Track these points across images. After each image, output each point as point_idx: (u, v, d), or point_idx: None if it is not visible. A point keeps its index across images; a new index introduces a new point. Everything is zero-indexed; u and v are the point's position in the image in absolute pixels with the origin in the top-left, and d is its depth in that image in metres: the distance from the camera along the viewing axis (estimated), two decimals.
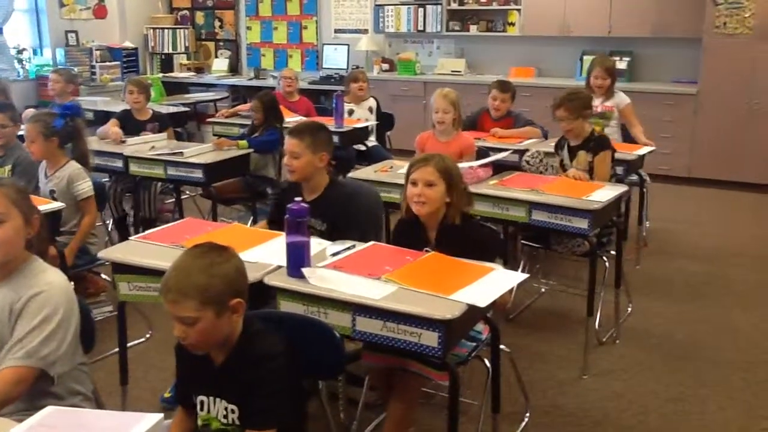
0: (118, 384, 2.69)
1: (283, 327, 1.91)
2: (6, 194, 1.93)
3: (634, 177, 4.52)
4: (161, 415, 1.40)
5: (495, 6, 7.68)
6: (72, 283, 1.97)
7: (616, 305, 3.65)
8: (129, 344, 3.24)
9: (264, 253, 2.42)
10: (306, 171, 2.88)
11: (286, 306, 2.19)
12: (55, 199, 3.51)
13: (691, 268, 4.64)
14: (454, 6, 7.85)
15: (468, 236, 2.52)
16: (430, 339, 1.97)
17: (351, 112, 5.56)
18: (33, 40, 8.58)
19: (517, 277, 2.30)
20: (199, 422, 1.86)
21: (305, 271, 2.17)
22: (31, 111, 5.61)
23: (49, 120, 3.57)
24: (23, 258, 1.95)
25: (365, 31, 8.46)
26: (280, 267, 2.28)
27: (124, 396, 2.67)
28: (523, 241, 3.89)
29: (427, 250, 2.47)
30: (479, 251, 2.40)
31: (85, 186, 3.57)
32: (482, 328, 2.56)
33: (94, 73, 8.56)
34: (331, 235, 2.67)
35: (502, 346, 2.53)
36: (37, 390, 1.88)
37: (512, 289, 2.45)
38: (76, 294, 1.96)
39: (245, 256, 2.38)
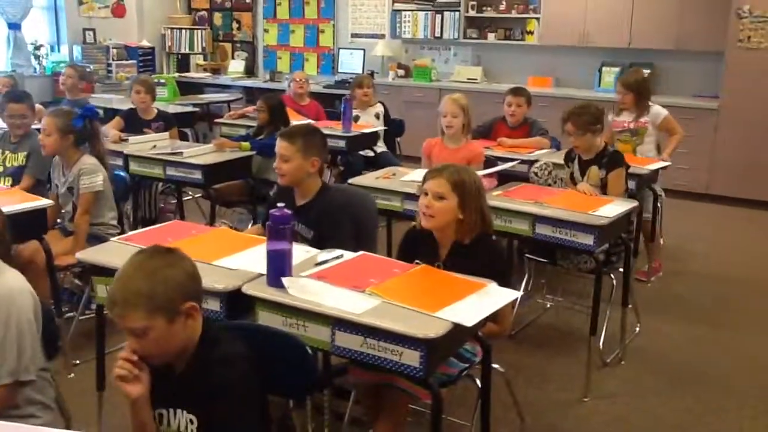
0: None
1: (251, 339, 1.80)
2: None
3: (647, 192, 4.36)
4: None
5: (514, 14, 7.55)
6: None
7: (622, 325, 3.50)
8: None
9: (247, 259, 2.32)
10: (296, 175, 2.78)
11: (265, 317, 2.08)
12: (73, 195, 3.50)
13: (705, 289, 4.47)
14: (472, 13, 7.73)
15: (479, 258, 2.37)
16: (411, 358, 1.85)
17: (357, 119, 5.46)
18: (51, 37, 8.60)
19: (511, 294, 2.17)
20: None
21: (285, 280, 2.06)
22: (40, 107, 5.60)
23: (69, 117, 3.55)
24: None
25: (382, 36, 8.37)
26: (262, 275, 2.18)
27: (100, 402, 2.57)
28: (528, 255, 3.76)
29: (417, 262, 2.35)
30: (490, 276, 2.23)
31: (89, 181, 3.47)
32: (477, 348, 2.43)
33: (110, 71, 8.55)
34: (317, 244, 2.56)
35: (495, 366, 2.40)
36: None
37: (511, 312, 2.32)
38: None
39: (227, 262, 2.31)
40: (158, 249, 1.70)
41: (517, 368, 3.26)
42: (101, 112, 6.16)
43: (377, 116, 5.62)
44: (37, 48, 8.27)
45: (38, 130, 4.71)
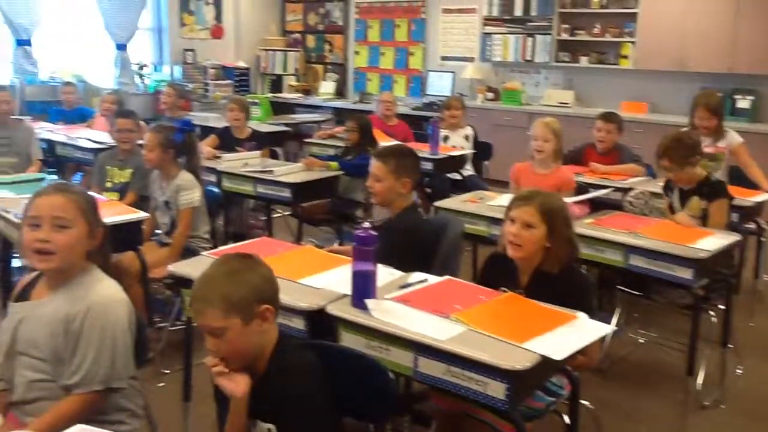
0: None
1: (332, 359, 1.80)
2: (75, 201, 1.92)
3: (751, 225, 4.11)
4: None
5: (608, 38, 7.36)
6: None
7: (722, 366, 3.29)
8: None
9: (331, 279, 2.32)
10: (387, 195, 2.80)
11: (348, 338, 2.06)
12: (170, 209, 3.63)
13: None
14: (565, 36, 7.59)
15: (564, 289, 2.28)
16: (496, 390, 1.78)
17: (446, 139, 5.43)
18: (154, 57, 9.04)
19: (604, 328, 2.07)
20: None
21: (369, 302, 2.04)
22: (143, 123, 5.87)
23: (169, 132, 3.70)
24: (82, 267, 1.94)
25: (471, 59, 8.34)
26: (346, 296, 2.17)
27: (185, 412, 2.62)
28: (620, 287, 3.60)
29: (503, 289, 2.28)
30: (573, 308, 2.15)
31: (188, 197, 3.59)
32: (565, 382, 2.33)
33: (207, 90, 8.88)
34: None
35: (584, 402, 2.29)
36: None
37: (602, 343, 2.22)
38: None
39: (312, 281, 2.32)
40: (238, 254, 1.79)
41: (606, 405, 3.10)
42: (198, 129, 6.44)
43: (466, 138, 5.57)
44: (141, 68, 8.70)
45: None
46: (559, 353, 1.82)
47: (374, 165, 2.80)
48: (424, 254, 2.73)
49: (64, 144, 5.35)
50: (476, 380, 1.82)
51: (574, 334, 1.96)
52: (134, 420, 1.99)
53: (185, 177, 3.64)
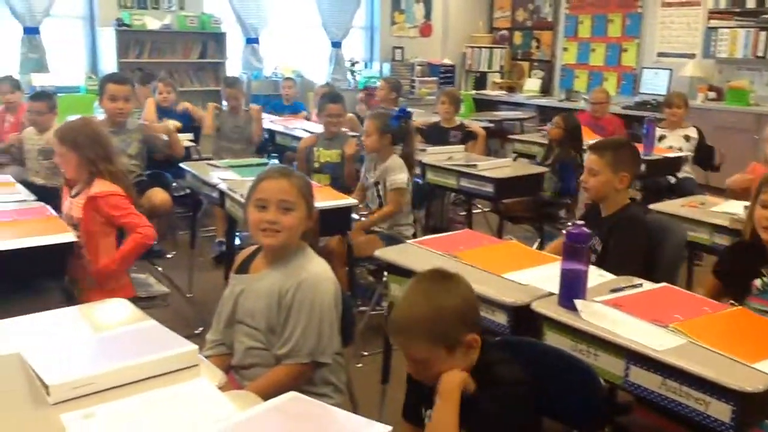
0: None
1: (538, 359, 1.75)
2: (297, 185, 2.03)
3: None
4: (390, 428, 1.33)
5: None
6: None
7: None
8: None
9: (537, 276, 2.24)
10: (602, 190, 2.67)
11: (553, 338, 1.98)
12: (378, 190, 3.79)
13: None
14: None
15: None
16: (720, 411, 1.61)
17: (661, 138, 5.08)
18: (365, 54, 9.44)
19: None
20: None
21: (578, 303, 1.94)
22: (351, 116, 6.15)
23: (387, 118, 3.85)
24: (297, 246, 2.05)
25: (692, 56, 7.72)
26: (552, 294, 2.09)
27: (383, 394, 2.69)
28: None
29: (731, 303, 2.07)
30: None
31: (398, 178, 3.70)
32: None
33: (413, 87, 9.12)
34: (601, 260, 2.41)
35: None
36: None
37: None
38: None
39: (517, 276, 2.26)
40: (437, 276, 1.71)
41: None
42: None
43: (686, 138, 5.16)
44: (353, 64, 9.13)
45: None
46: None
47: (589, 159, 2.70)
48: (646, 255, 2.57)
49: (283, 134, 5.75)
50: (696, 398, 1.66)
51: None
52: (338, 395, 2.07)
53: (395, 160, 3.76)
